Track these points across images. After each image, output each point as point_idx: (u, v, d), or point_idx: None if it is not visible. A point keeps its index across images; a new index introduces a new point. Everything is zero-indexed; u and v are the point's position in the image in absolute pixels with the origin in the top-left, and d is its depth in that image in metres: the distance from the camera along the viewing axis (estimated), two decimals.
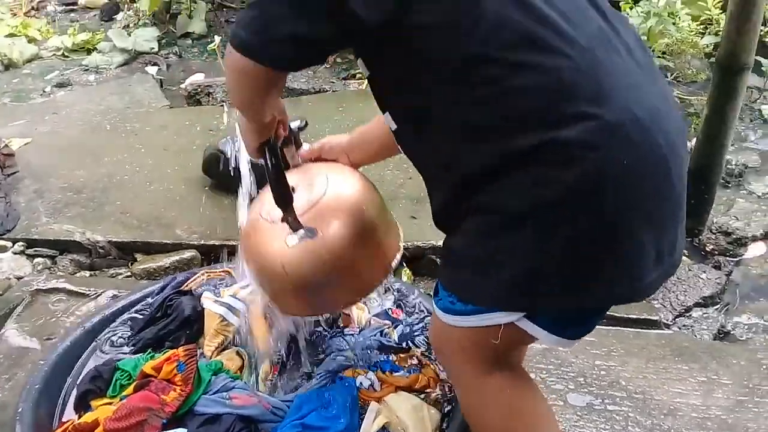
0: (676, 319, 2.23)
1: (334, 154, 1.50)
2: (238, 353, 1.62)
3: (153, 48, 4.16)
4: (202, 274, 1.82)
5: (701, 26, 3.46)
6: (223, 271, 1.84)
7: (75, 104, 3.40)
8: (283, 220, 1.31)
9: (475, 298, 1.14)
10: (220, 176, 2.57)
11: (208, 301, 1.67)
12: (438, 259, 1.27)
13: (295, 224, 1.30)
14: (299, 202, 1.33)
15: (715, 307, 2.29)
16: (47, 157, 2.85)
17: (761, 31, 3.35)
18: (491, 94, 1.01)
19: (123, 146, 2.94)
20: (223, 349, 1.64)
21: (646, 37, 3.23)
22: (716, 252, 2.50)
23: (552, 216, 1.02)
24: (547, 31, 1.00)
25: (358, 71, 3.70)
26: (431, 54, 1.03)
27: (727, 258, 2.48)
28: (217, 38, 3.73)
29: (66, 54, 4.17)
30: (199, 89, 3.57)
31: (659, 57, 3.33)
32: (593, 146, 0.98)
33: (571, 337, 1.19)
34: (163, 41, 4.31)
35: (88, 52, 4.16)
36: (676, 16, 3.22)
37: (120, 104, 3.41)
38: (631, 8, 3.21)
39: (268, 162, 1.30)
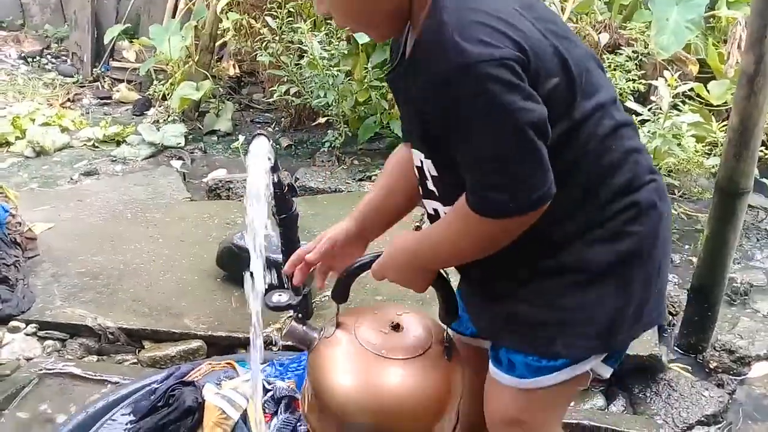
0: None
1: (350, 245, 1.44)
2: None
3: (179, 143, 4.35)
4: (207, 365, 1.85)
5: (707, 147, 3.58)
6: (226, 363, 1.88)
7: (100, 193, 3.54)
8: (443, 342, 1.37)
9: (569, 353, 1.23)
10: (232, 269, 2.65)
11: (209, 393, 1.70)
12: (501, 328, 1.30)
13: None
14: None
15: (718, 426, 2.27)
16: (68, 243, 2.95)
17: (766, 154, 3.48)
18: (600, 171, 1.18)
19: (142, 235, 3.04)
20: None
21: (652, 156, 3.35)
22: (720, 370, 2.50)
23: (630, 264, 1.20)
24: (627, 123, 1.22)
25: (373, 173, 3.83)
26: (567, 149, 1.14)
27: (731, 376, 2.48)
28: (241, 137, 3.92)
29: (96, 144, 4.36)
30: (220, 184, 3.71)
31: (665, 175, 3.43)
32: (653, 204, 1.21)
33: (616, 365, 1.35)
34: (190, 137, 4.51)
35: (118, 143, 4.36)
36: (682, 137, 3.34)
37: (143, 195, 3.54)
38: (638, 128, 3.34)
39: (441, 283, 1.34)
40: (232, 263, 2.62)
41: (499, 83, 1.02)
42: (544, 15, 1.15)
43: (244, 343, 2.40)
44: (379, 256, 1.33)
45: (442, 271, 1.35)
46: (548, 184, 1.09)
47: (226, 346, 2.37)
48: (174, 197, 3.56)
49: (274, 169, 2.01)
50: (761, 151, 3.46)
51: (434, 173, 1.23)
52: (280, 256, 2.64)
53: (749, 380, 2.48)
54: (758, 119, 2.21)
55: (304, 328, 1.44)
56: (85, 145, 4.37)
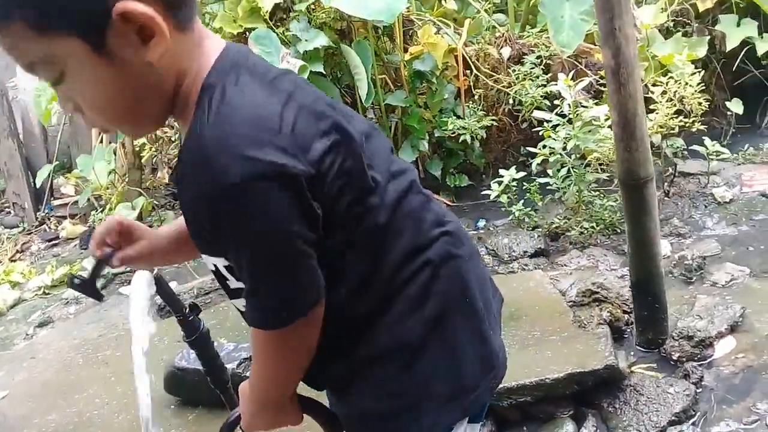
0: None
1: (136, 235, 1.35)
2: None
3: (127, 267, 4.31)
4: None
5: None
6: None
7: (52, 343, 3.49)
8: None
9: (428, 429, 1.18)
10: (181, 393, 2.61)
11: None
12: None
13: None
14: None
15: (691, 420, 2.21)
16: (22, 407, 2.89)
17: (686, 122, 3.48)
18: (385, 244, 1.13)
19: (94, 379, 2.98)
20: None
21: (578, 155, 3.35)
22: (684, 359, 2.44)
23: (446, 322, 1.16)
24: (406, 190, 1.17)
25: None
26: (348, 233, 1.10)
27: (696, 363, 2.42)
28: None
29: (46, 291, 4.33)
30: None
31: (594, 172, 3.41)
32: (448, 255, 1.18)
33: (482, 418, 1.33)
34: None
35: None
36: (599, 130, 3.32)
37: (94, 333, 3.50)
38: (549, 135, 3.34)
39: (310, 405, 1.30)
40: (179, 387, 2.58)
41: (265, 202, 0.98)
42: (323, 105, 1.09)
43: None
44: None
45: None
46: (315, 289, 1.06)
47: None
48: (125, 327, 3.51)
49: (166, 296, 1.98)
50: (681, 121, 3.48)
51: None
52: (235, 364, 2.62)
53: (716, 362, 2.43)
54: (636, 108, 2.20)
55: None
56: (36, 295, 4.33)
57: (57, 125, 5.61)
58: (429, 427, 1.18)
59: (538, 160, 3.41)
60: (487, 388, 1.23)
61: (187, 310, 2.03)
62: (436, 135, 4.20)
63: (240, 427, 1.35)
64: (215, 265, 1.14)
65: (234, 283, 1.15)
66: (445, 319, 1.16)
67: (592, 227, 3.41)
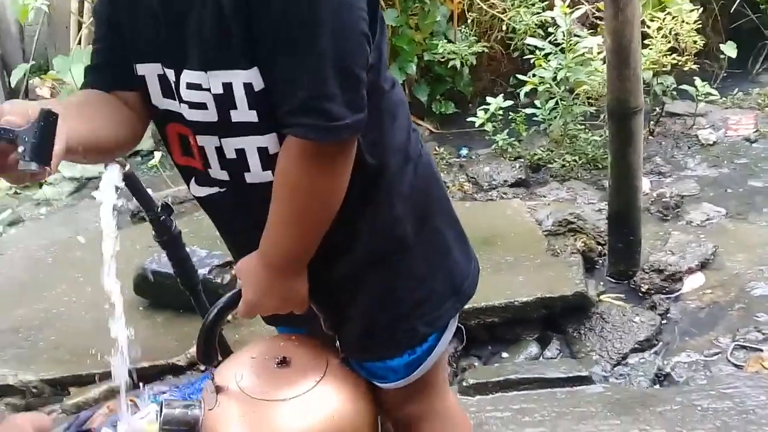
0: (615, 369, 2.18)
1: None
2: None
3: (102, 171, 4.24)
4: (106, 407, 1.80)
5: None
6: (129, 400, 1.82)
7: (21, 241, 3.46)
8: None
9: (434, 328, 1.22)
10: (151, 295, 2.60)
11: None
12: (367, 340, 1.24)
13: None
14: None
15: (653, 349, 2.24)
16: None
17: (679, 60, 3.43)
18: (385, 120, 1.14)
19: (63, 278, 2.96)
20: None
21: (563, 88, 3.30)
22: (652, 291, 2.46)
23: (431, 219, 1.20)
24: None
25: None
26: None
27: (664, 296, 2.44)
28: (158, 154, 3.83)
29: (18, 191, 4.25)
30: None
31: (582, 104, 3.37)
32: (421, 153, 1.22)
33: None
34: None
35: (40, 185, 4.25)
36: (592, 62, 3.27)
37: (65, 235, 3.46)
38: (541, 64, 3.28)
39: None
40: (149, 289, 2.57)
41: None
42: None
43: (171, 370, 2.36)
44: (237, 294, 1.20)
45: None
46: (364, 111, 1.02)
47: (152, 375, 2.32)
48: (97, 230, 3.47)
49: (137, 192, 1.94)
50: (674, 58, 3.43)
51: (259, 87, 1.02)
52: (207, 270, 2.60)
53: (683, 296, 2.45)
54: (632, 35, 2.14)
55: (181, 408, 1.24)
56: (6, 194, 4.26)
57: (34, 24, 5.42)
58: (431, 325, 1.21)
59: (527, 88, 3.35)
60: (474, 278, 1.27)
61: (159, 209, 2.00)
62: (425, 58, 4.10)
63: (234, 315, 1.24)
64: (227, 86, 1.03)
65: (239, 114, 1.04)
66: (430, 216, 1.20)
67: (575, 161, 3.38)
